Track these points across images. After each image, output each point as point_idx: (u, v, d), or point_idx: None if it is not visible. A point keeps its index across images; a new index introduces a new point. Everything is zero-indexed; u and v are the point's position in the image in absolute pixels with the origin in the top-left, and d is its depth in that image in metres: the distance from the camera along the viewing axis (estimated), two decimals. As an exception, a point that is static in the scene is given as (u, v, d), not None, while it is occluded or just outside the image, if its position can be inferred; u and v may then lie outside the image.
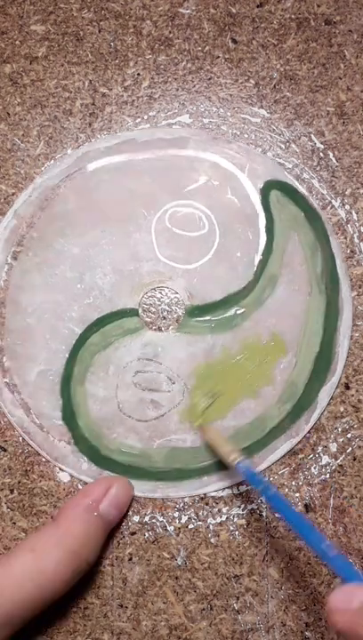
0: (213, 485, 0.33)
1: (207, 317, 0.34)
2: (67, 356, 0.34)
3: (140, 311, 0.35)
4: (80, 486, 0.34)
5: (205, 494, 0.33)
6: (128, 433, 0.34)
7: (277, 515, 0.33)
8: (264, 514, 0.33)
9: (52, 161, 0.36)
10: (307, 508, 0.33)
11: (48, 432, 0.34)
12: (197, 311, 0.35)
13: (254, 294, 0.34)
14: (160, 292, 0.35)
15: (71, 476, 0.34)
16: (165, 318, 0.35)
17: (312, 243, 0.35)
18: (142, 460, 0.34)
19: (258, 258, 0.35)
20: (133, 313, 0.35)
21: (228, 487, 0.33)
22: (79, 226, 0.35)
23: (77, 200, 0.35)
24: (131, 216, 0.35)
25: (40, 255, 0.35)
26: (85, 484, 0.33)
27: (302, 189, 0.35)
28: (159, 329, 0.35)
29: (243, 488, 0.33)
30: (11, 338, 0.34)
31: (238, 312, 0.34)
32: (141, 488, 0.33)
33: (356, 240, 0.35)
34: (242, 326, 0.34)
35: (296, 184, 0.35)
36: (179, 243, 0.35)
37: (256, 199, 0.35)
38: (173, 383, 0.34)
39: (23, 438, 0.34)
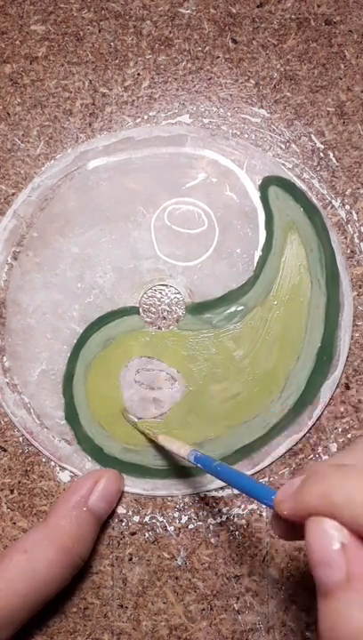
0: (216, 483, 0.33)
1: (208, 314, 0.35)
2: (68, 355, 0.34)
3: (140, 311, 0.35)
4: (80, 486, 0.34)
5: (205, 494, 0.33)
6: (131, 431, 0.34)
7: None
8: (264, 514, 0.33)
9: (53, 161, 0.36)
10: (307, 507, 0.33)
11: (51, 432, 0.34)
12: (197, 308, 0.35)
13: (254, 291, 0.34)
14: (160, 293, 0.35)
15: (73, 475, 0.34)
16: (165, 318, 0.35)
17: (312, 238, 0.35)
18: (145, 457, 0.34)
19: (258, 254, 0.35)
20: (133, 311, 0.35)
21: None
22: (79, 225, 0.35)
23: (76, 199, 0.35)
24: (130, 214, 0.35)
25: (40, 255, 0.35)
26: None
27: (300, 185, 0.35)
28: (159, 329, 0.35)
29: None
30: (12, 338, 0.34)
31: (239, 309, 0.34)
32: (145, 486, 0.33)
33: (356, 240, 0.35)
34: (243, 323, 0.34)
35: (295, 179, 0.35)
36: (178, 240, 0.35)
37: (255, 195, 0.35)
38: (175, 381, 0.34)
39: (24, 438, 0.34)
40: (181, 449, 0.30)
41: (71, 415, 0.34)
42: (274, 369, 0.34)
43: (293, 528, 0.23)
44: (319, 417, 0.34)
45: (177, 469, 0.34)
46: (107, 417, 0.34)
